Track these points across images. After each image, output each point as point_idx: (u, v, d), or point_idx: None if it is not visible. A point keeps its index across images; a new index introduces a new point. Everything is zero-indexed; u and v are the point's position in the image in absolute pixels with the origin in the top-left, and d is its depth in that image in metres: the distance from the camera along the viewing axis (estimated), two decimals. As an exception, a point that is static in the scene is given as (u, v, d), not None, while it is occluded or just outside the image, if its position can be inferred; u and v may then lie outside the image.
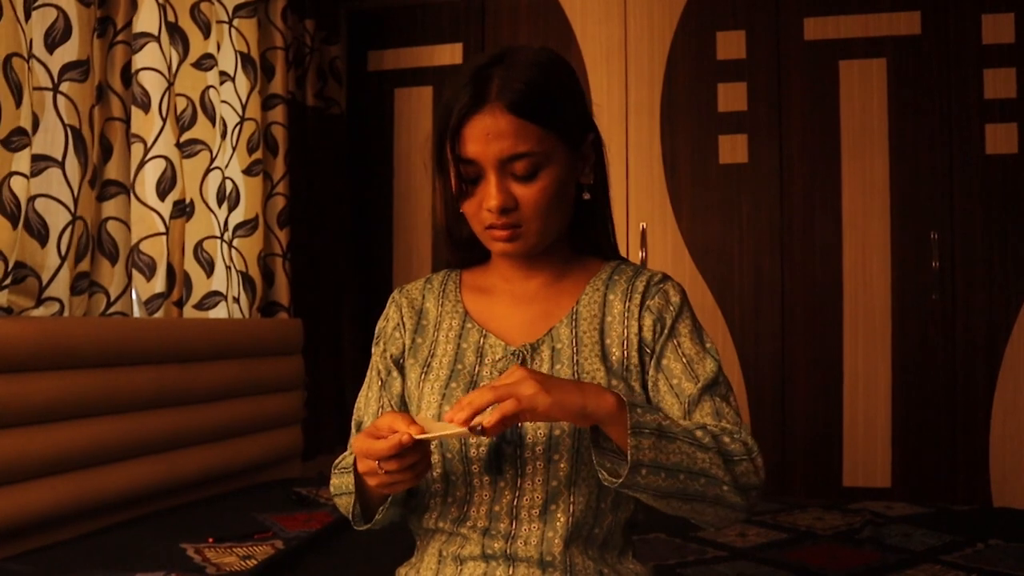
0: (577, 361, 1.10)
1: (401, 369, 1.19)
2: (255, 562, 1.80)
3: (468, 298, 1.20)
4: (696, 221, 3.45)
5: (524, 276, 1.18)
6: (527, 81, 1.04)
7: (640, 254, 3.44)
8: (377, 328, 1.24)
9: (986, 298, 3.19)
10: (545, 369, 1.10)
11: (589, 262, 1.20)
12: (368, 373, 1.23)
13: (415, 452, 0.95)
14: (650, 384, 1.12)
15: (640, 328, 1.12)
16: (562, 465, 1.06)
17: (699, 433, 1.00)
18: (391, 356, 1.20)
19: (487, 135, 1.04)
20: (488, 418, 0.90)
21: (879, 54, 3.29)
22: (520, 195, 1.07)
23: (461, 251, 1.22)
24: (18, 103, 1.95)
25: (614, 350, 1.12)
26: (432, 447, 1.10)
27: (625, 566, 1.13)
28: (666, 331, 1.12)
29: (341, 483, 1.14)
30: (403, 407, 1.19)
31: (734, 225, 3.41)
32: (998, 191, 3.18)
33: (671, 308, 1.13)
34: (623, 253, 1.50)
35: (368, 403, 1.21)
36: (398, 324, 1.21)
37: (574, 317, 1.14)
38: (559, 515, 1.07)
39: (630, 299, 1.14)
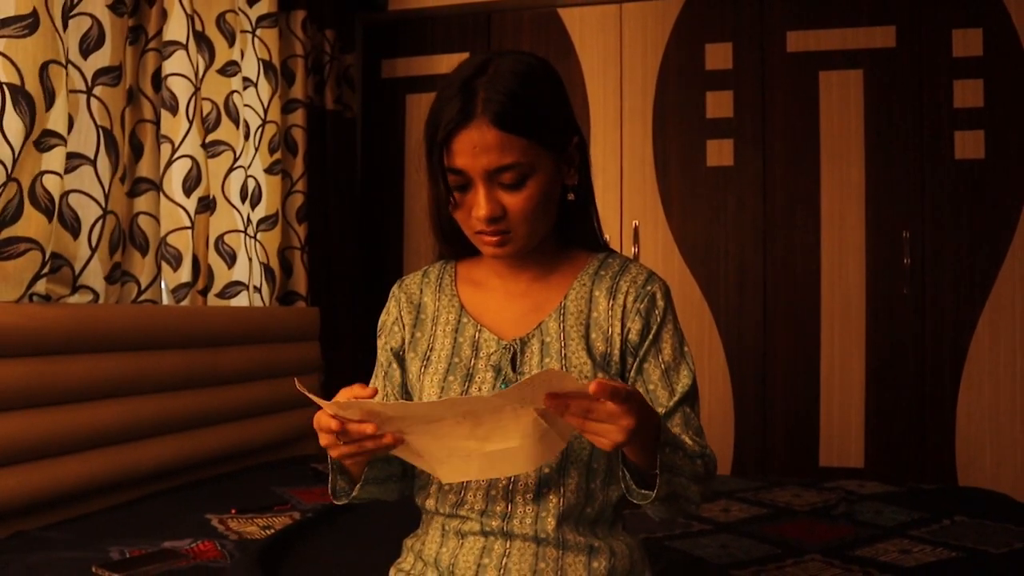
0: (565, 355, 1.09)
1: (401, 361, 1.18)
2: (274, 531, 1.80)
3: (463, 292, 1.18)
4: (685, 219, 3.44)
5: (515, 272, 1.16)
6: (511, 94, 1.01)
7: (633, 250, 3.43)
8: (379, 322, 1.22)
9: (954, 293, 3.18)
10: (535, 362, 1.09)
11: (576, 255, 1.18)
12: (376, 365, 1.23)
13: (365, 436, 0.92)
14: (629, 384, 1.11)
15: (627, 331, 1.11)
16: None
17: (698, 464, 1.02)
18: (391, 349, 1.19)
19: (474, 148, 1.01)
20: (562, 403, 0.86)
21: (856, 65, 3.28)
22: (508, 203, 1.04)
23: (452, 246, 1.19)
24: (48, 105, 1.94)
25: (598, 344, 1.10)
26: None
27: (615, 538, 1.12)
28: (651, 336, 1.11)
29: (328, 466, 1.13)
30: (406, 397, 1.18)
31: (720, 223, 3.41)
32: (966, 193, 3.18)
33: (657, 314, 1.11)
34: (617, 249, 1.49)
35: None
36: (397, 319, 1.19)
37: (562, 312, 1.12)
38: (551, 497, 1.06)
39: (614, 298, 1.12)
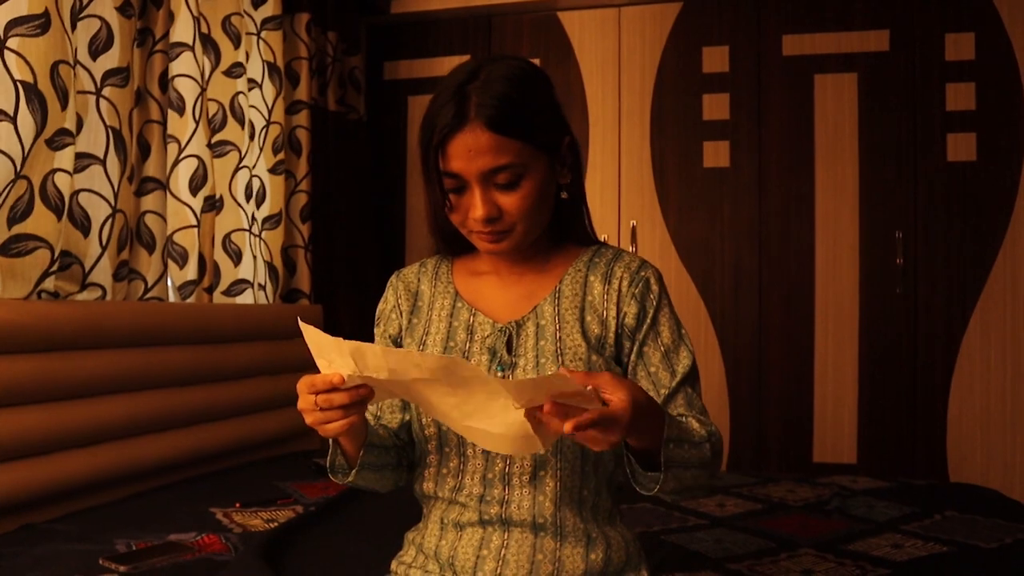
0: (560, 337, 1.09)
1: (400, 347, 1.19)
2: (277, 525, 1.80)
3: (459, 280, 1.19)
4: (682, 220, 3.44)
5: (510, 264, 1.17)
6: (503, 97, 1.02)
7: (631, 249, 3.43)
8: (377, 310, 1.23)
9: (945, 292, 3.19)
10: (530, 344, 1.09)
11: (570, 248, 1.19)
12: None
13: (342, 396, 0.94)
14: (629, 368, 1.11)
15: (623, 315, 1.11)
16: None
17: (706, 449, 1.02)
18: (390, 335, 1.20)
19: (469, 151, 1.02)
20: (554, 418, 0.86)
21: (851, 69, 3.28)
22: (504, 203, 1.05)
23: (450, 245, 1.20)
24: (63, 106, 1.94)
25: (594, 327, 1.11)
26: (428, 420, 1.10)
27: (612, 530, 1.13)
28: (648, 320, 1.11)
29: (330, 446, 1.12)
30: None
31: (716, 224, 3.41)
32: (958, 195, 3.18)
33: (652, 298, 1.12)
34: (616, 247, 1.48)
35: None
36: (395, 306, 1.21)
37: (557, 296, 1.13)
38: (548, 480, 1.07)
39: (609, 283, 1.13)
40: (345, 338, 0.92)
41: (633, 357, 1.11)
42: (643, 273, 1.13)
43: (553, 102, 1.11)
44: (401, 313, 1.20)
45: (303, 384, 0.96)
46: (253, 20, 2.92)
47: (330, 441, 1.08)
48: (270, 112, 2.94)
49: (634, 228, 3.46)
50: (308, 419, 0.97)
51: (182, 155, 2.55)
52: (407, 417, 1.18)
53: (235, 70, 2.81)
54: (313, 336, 0.93)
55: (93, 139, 2.15)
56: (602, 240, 1.22)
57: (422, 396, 0.94)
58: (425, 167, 1.07)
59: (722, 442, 1.08)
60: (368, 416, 1.18)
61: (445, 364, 0.88)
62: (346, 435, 1.02)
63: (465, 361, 0.87)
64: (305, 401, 0.96)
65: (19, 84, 1.85)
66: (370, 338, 1.16)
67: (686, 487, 0.99)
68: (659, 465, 0.95)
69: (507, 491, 1.08)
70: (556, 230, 1.17)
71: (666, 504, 2.08)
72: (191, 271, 2.56)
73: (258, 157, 2.93)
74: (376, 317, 1.23)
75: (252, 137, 2.90)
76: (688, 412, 1.08)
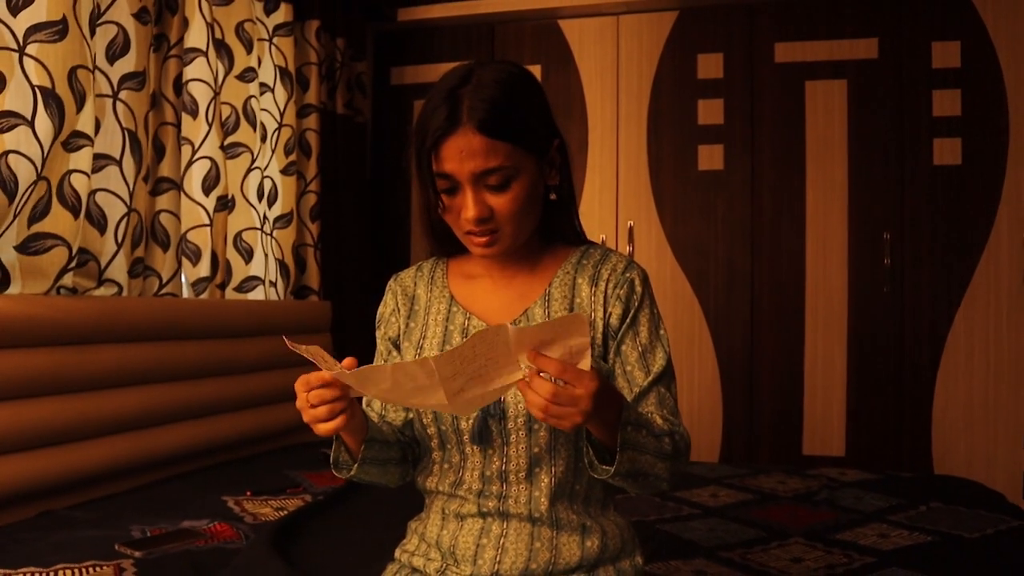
0: None
1: (400, 349, 1.19)
2: (287, 512, 1.80)
3: (454, 284, 1.18)
4: (677, 220, 3.44)
5: (502, 266, 1.16)
6: (494, 101, 1.01)
7: (628, 248, 3.43)
8: (378, 314, 1.23)
9: (931, 292, 3.18)
10: None
11: (559, 249, 1.18)
12: (375, 355, 1.23)
13: (333, 390, 0.96)
14: (608, 364, 1.11)
15: (609, 315, 1.11)
16: (542, 434, 1.05)
17: (665, 442, 1.00)
18: (390, 338, 1.20)
19: (461, 153, 1.01)
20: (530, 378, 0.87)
21: (841, 75, 3.27)
22: (494, 204, 1.04)
23: (444, 245, 1.20)
24: (79, 108, 1.94)
25: None
26: (428, 420, 1.09)
27: (607, 519, 1.12)
28: (629, 319, 1.11)
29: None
30: None
31: (710, 224, 3.40)
32: (943, 198, 3.17)
33: (635, 298, 1.12)
34: (613, 248, 1.48)
35: None
36: (394, 310, 1.20)
37: (547, 298, 1.12)
38: (543, 477, 1.07)
39: (596, 285, 1.12)
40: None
41: (612, 355, 1.11)
42: (628, 274, 1.13)
43: (542, 105, 1.10)
44: (400, 317, 1.19)
45: (299, 383, 0.98)
46: (265, 26, 2.91)
47: (333, 438, 1.07)
48: (281, 115, 2.94)
49: (631, 228, 3.46)
50: (305, 417, 0.98)
51: (196, 156, 2.55)
52: (411, 415, 1.17)
53: (247, 75, 2.81)
54: (314, 354, 0.94)
55: (110, 141, 2.15)
56: (600, 240, 1.21)
57: (421, 398, 0.93)
58: (418, 169, 1.06)
59: (688, 444, 1.06)
60: (372, 414, 1.19)
61: (449, 357, 0.87)
62: (347, 431, 1.03)
63: (472, 342, 0.85)
64: (301, 400, 0.98)
65: (37, 89, 1.84)
66: (373, 335, 1.16)
67: (641, 472, 0.97)
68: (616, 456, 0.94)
69: (504, 487, 1.08)
70: (546, 231, 1.17)
71: (661, 494, 2.08)
72: (204, 268, 2.56)
73: (270, 159, 2.93)
74: (376, 320, 1.23)
75: (264, 139, 2.90)
76: (657, 411, 1.07)
